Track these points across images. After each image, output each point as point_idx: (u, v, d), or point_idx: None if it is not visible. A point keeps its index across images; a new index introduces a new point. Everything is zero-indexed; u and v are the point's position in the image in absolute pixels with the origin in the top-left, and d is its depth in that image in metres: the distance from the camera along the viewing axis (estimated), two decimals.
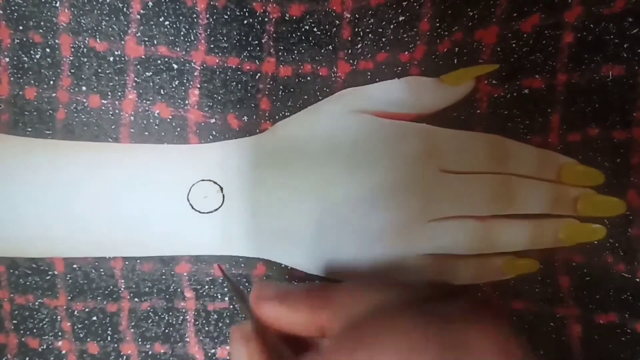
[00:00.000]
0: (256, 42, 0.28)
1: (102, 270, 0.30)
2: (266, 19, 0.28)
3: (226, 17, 0.28)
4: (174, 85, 0.29)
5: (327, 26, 0.28)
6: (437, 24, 0.28)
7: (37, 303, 0.30)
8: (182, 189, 0.28)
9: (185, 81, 0.29)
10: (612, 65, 0.27)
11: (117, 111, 0.29)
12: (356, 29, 0.28)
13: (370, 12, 0.28)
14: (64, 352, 0.30)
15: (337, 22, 0.28)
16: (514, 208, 0.27)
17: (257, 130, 0.29)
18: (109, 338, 0.30)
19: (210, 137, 0.29)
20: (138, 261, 0.30)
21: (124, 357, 0.30)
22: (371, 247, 0.26)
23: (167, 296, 0.30)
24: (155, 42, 0.28)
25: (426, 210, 0.26)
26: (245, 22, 0.28)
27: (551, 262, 0.28)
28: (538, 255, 0.28)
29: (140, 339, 0.30)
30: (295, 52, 0.28)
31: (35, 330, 0.30)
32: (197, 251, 0.29)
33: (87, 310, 0.30)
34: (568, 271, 0.28)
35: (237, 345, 0.21)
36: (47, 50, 0.28)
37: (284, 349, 0.22)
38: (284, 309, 0.22)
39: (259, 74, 0.29)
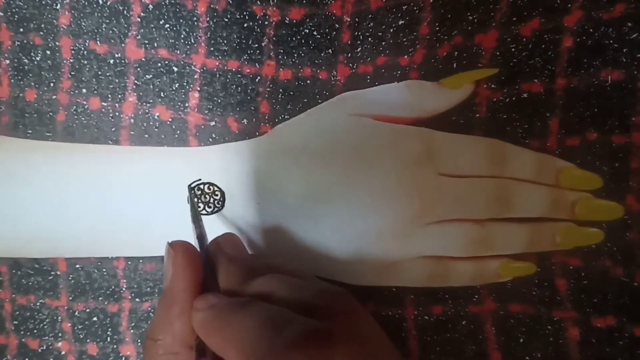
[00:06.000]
0: (256, 45, 0.28)
1: (104, 270, 0.30)
2: (266, 23, 0.28)
3: (226, 20, 0.28)
4: (174, 88, 0.29)
5: (327, 30, 0.28)
6: (437, 28, 0.28)
7: (38, 303, 0.30)
8: (182, 191, 0.28)
9: (185, 84, 0.29)
10: (611, 70, 0.27)
11: (117, 113, 0.29)
12: (356, 33, 0.28)
13: (370, 16, 0.28)
14: (63, 353, 0.30)
15: (337, 25, 0.28)
16: (512, 211, 0.27)
17: (257, 133, 0.29)
18: (108, 339, 0.30)
19: (210, 139, 0.29)
20: (140, 261, 0.30)
21: (123, 358, 0.30)
22: (370, 249, 0.26)
23: None
24: (155, 44, 0.28)
25: (424, 213, 0.26)
26: (245, 25, 0.28)
27: (549, 265, 0.29)
28: (535, 258, 0.28)
29: (139, 340, 0.30)
30: (295, 55, 0.28)
31: (35, 331, 0.30)
32: None
33: (88, 310, 0.30)
34: (565, 274, 0.28)
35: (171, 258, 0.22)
36: (48, 52, 0.28)
37: (214, 285, 0.23)
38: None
39: (258, 77, 0.29)
